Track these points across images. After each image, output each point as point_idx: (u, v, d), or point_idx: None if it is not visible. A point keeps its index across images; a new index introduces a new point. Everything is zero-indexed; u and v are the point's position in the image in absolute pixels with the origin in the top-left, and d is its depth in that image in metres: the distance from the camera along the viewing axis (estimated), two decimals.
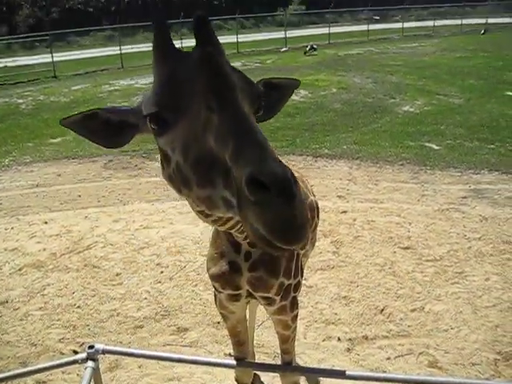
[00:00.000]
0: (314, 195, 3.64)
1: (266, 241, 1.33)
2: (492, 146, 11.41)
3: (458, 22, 41.01)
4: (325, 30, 33.35)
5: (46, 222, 8.27)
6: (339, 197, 8.75)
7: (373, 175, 9.82)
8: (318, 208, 3.58)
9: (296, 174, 3.22)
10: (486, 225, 7.77)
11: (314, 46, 26.45)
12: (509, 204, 8.57)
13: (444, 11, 49.00)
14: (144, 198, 9.15)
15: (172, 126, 1.60)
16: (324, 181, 9.54)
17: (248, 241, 2.59)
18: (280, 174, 1.28)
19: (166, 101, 1.61)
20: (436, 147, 11.43)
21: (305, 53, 25.92)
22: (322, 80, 18.52)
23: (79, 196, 9.41)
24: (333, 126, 13.07)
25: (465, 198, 8.77)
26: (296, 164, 10.40)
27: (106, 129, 1.88)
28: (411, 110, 14.67)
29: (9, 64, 27.46)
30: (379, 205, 8.41)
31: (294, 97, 15.92)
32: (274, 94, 2.00)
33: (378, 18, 44.55)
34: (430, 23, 39.91)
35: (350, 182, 9.49)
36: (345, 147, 11.47)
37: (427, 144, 11.62)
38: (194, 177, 1.57)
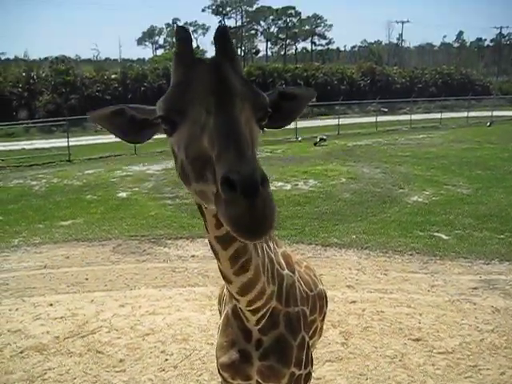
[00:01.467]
0: (323, 284, 3.62)
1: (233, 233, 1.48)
2: (502, 236, 11.38)
3: (465, 114, 41.94)
4: (334, 122, 34.15)
5: (51, 304, 8.21)
6: (348, 286, 8.68)
7: (382, 265, 9.77)
8: (326, 297, 3.55)
9: (303, 263, 3.26)
10: (499, 316, 7.62)
11: (324, 137, 27.01)
12: None
13: (450, 104, 50.23)
14: (151, 283, 9.11)
15: (178, 127, 1.74)
16: (333, 270, 9.49)
17: (259, 327, 2.62)
18: (247, 174, 1.42)
19: (174, 104, 1.75)
20: (445, 237, 11.41)
21: (315, 143, 26.45)
22: (332, 170, 18.79)
23: (86, 279, 9.39)
24: (342, 216, 13.14)
25: (476, 288, 8.66)
26: (305, 253, 10.40)
27: (129, 125, 1.99)
28: (420, 200, 14.76)
29: (26, 147, 28.23)
30: (389, 295, 8.31)
31: (303, 186, 16.17)
32: (290, 103, 2.10)
33: (386, 110, 45.66)
34: (437, 115, 40.81)
35: (359, 271, 9.43)
36: (354, 237, 11.48)
37: (436, 234, 11.62)
38: (192, 173, 1.71)
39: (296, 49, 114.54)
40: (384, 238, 11.30)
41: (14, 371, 6.22)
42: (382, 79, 59.42)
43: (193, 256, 10.46)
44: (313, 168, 19.19)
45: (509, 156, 21.98)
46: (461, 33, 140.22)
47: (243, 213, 1.43)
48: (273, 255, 2.70)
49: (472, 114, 42.33)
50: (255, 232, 1.46)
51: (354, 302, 8.03)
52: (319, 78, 54.95)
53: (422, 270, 9.56)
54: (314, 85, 52.55)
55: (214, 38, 1.86)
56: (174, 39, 1.87)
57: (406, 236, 11.44)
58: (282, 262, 2.85)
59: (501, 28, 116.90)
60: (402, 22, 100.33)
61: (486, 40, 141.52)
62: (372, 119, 36.94)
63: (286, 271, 2.84)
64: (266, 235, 1.49)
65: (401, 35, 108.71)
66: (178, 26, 1.89)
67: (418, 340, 6.82)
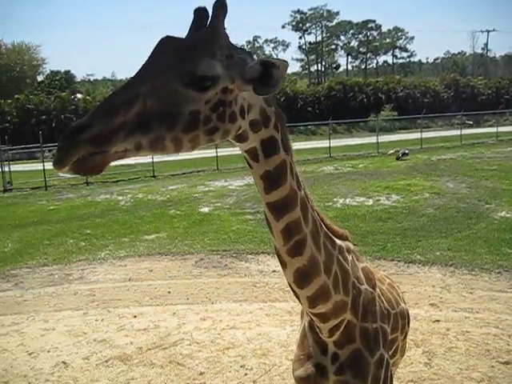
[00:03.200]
0: (405, 303, 3.55)
1: None
2: None
3: None
4: (417, 135, 33.48)
5: (135, 316, 8.50)
6: (432, 305, 8.43)
7: (468, 283, 9.43)
8: (408, 316, 3.48)
9: (387, 280, 3.22)
10: None
11: (406, 151, 26.52)
12: None
13: None
14: (232, 297, 9.22)
15: None
16: (416, 288, 9.25)
17: (334, 339, 2.67)
18: (70, 126, 1.70)
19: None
20: None
21: (397, 158, 26.02)
22: (415, 185, 18.38)
23: (169, 292, 9.63)
24: (425, 232, 12.80)
25: None
26: (387, 269, 10.20)
27: None
28: (508, 215, 14.15)
29: (112, 163, 29.18)
30: (475, 315, 8.01)
31: (385, 201, 15.92)
32: (273, 71, 2.08)
33: (471, 122, 44.36)
34: None
35: (443, 289, 9.15)
36: (438, 253, 11.16)
37: None
38: None
39: (377, 62, 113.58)
40: (470, 256, 10.91)
41: (99, 379, 6.48)
42: (466, 91, 57.82)
43: (274, 271, 10.50)
44: (395, 183, 18.85)
45: None
46: None
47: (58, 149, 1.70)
48: (349, 267, 2.71)
49: None
50: (53, 159, 1.72)
51: (437, 321, 7.79)
52: (401, 92, 54.08)
53: (510, 288, 9.14)
54: (396, 98, 51.82)
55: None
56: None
57: (493, 253, 10.99)
58: (362, 276, 2.86)
59: None
60: (488, 31, 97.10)
61: None
62: (456, 132, 35.96)
63: (365, 286, 2.84)
64: (55, 165, 1.72)
65: (486, 45, 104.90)
66: (196, 7, 2.07)
67: (506, 363, 6.52)
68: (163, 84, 1.90)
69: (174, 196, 19.10)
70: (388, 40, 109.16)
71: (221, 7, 2.06)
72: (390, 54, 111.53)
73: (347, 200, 16.47)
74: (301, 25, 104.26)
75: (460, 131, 34.72)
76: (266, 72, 2.06)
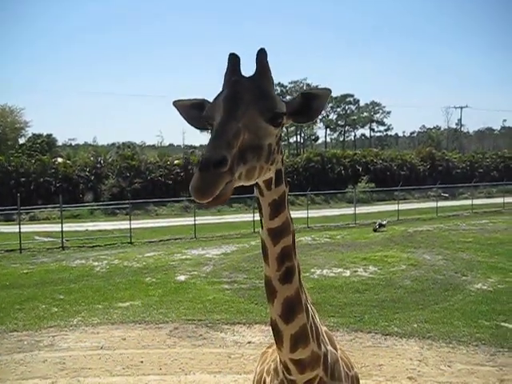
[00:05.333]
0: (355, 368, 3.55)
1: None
2: None
3: None
4: (394, 207, 33.85)
5: None
6: (409, 378, 8.32)
7: (445, 356, 9.35)
8: (359, 381, 3.47)
9: (339, 347, 3.26)
10: None
11: (383, 223, 26.74)
12: None
13: None
14: (206, 369, 9.01)
15: (211, 127, 2.24)
16: (393, 360, 9.14)
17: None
18: (205, 157, 1.93)
19: (209, 112, 2.28)
20: None
21: (374, 229, 26.19)
22: (392, 256, 18.46)
23: (141, 362, 9.37)
24: (402, 304, 12.77)
25: None
26: (364, 342, 10.11)
27: (200, 118, 2.42)
28: (484, 287, 14.22)
29: (90, 228, 29.17)
30: None
31: (363, 273, 15.92)
32: (314, 102, 2.45)
33: (446, 195, 45.10)
34: (499, 200, 39.98)
35: (420, 362, 9.05)
36: (415, 325, 11.10)
37: (504, 324, 11.09)
38: None
39: (355, 135, 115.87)
40: (447, 328, 10.87)
41: None
42: (441, 164, 59.10)
43: (249, 342, 10.33)
44: (372, 254, 18.91)
45: None
46: None
47: (194, 179, 1.93)
48: (318, 325, 2.83)
49: None
50: (197, 191, 1.92)
51: None
52: (378, 164, 55.06)
53: (489, 362, 9.09)
54: (373, 170, 52.69)
55: (256, 60, 2.35)
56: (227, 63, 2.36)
57: (470, 326, 10.97)
58: (326, 337, 2.95)
59: None
60: (461, 107, 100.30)
61: None
62: (432, 204, 36.50)
63: (330, 347, 2.93)
64: (206, 197, 1.93)
65: (460, 120, 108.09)
66: (230, 53, 2.36)
67: None
68: (252, 120, 2.19)
69: (150, 263, 18.89)
70: (365, 114, 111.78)
71: (265, 53, 2.36)
72: (367, 127, 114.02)
73: (324, 271, 16.43)
74: (281, 97, 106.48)
75: (436, 203, 35.24)
76: (306, 103, 2.43)
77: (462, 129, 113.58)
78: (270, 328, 2.73)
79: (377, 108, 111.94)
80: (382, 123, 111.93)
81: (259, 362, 3.83)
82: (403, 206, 33.87)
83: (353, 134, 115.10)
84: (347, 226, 28.74)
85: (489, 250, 19.74)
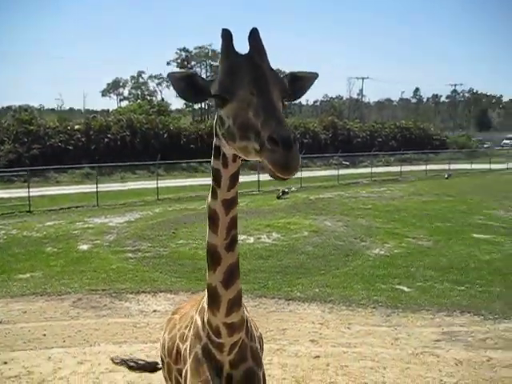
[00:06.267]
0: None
1: (272, 172, 2.18)
2: (462, 288, 11.51)
3: (423, 167, 43.18)
4: (297, 174, 34.37)
5: (5, 362, 7.89)
6: (312, 341, 8.60)
7: (345, 318, 9.74)
8: (262, 340, 3.72)
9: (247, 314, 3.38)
10: (462, 369, 7.66)
11: (286, 190, 27.18)
12: (483, 346, 8.52)
13: (410, 157, 51.53)
14: (111, 339, 8.87)
15: (229, 102, 2.38)
16: (296, 324, 9.41)
17: (231, 358, 2.94)
18: (285, 136, 2.13)
19: (227, 87, 2.38)
20: (407, 289, 11.48)
21: (278, 197, 26.57)
22: (295, 223, 18.85)
23: (44, 335, 9.07)
24: (305, 269, 13.12)
25: (438, 341, 8.70)
26: (268, 307, 10.31)
27: (190, 88, 2.56)
28: (382, 252, 14.88)
29: None
30: (353, 349, 8.27)
31: (266, 239, 16.16)
32: (300, 83, 2.72)
33: (347, 163, 46.44)
34: (397, 168, 41.76)
35: (322, 325, 9.37)
36: (317, 290, 11.45)
37: (398, 286, 11.68)
38: (237, 134, 2.35)
39: None
40: (347, 292, 11.30)
41: None
42: (343, 133, 60.61)
43: (155, 311, 10.27)
44: (276, 221, 19.23)
45: (467, 208, 22.49)
46: (417, 89, 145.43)
47: (281, 158, 2.13)
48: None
49: (430, 167, 43.66)
50: (288, 169, 2.16)
51: (317, 356, 7.95)
52: None
53: (385, 323, 9.56)
54: None
55: (249, 37, 2.46)
56: (221, 39, 2.48)
57: (368, 289, 11.47)
58: None
59: (455, 85, 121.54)
60: (362, 78, 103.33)
61: (441, 96, 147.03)
62: (334, 172, 37.49)
63: (243, 308, 3.06)
64: (294, 172, 2.19)
65: (361, 91, 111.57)
66: (223, 28, 2.47)
67: None
68: (278, 98, 2.41)
69: (50, 233, 18.17)
70: None
71: (258, 32, 2.50)
72: None
73: None
74: (186, 63, 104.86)
75: (337, 171, 36.22)
76: (292, 83, 2.65)
77: (363, 99, 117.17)
78: (206, 294, 2.91)
79: (282, 76, 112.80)
80: None
81: (166, 329, 3.90)
82: (306, 174, 34.49)
83: None
84: (251, 193, 28.98)
85: (386, 216, 20.61)
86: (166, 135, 48.15)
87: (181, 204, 24.56)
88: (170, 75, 2.56)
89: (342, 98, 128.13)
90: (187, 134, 50.14)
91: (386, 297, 10.95)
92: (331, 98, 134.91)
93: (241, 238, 16.36)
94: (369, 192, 29.45)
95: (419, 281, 12.09)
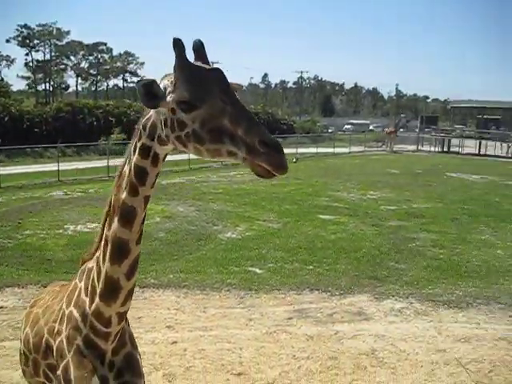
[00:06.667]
0: None
1: (266, 171, 2.40)
2: (311, 267, 12.10)
3: None
4: None
5: None
6: (168, 327, 8.58)
7: (201, 303, 9.83)
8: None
9: None
10: (313, 343, 8.07)
11: None
12: (330, 321, 9.05)
13: None
14: None
15: (197, 108, 2.46)
16: (152, 312, 9.32)
17: (113, 346, 3.04)
18: (275, 141, 2.38)
19: (195, 95, 2.48)
20: (259, 271, 11.83)
21: None
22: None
23: None
24: (158, 255, 13.00)
25: (290, 318, 9.08)
26: None
27: (149, 94, 2.55)
28: (233, 236, 15.17)
29: None
30: (209, 332, 8.38)
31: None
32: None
33: None
34: None
35: (178, 311, 9.38)
36: (171, 276, 11.41)
37: (251, 268, 11.99)
38: (207, 137, 2.46)
39: (107, 85, 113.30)
40: (201, 276, 11.40)
41: None
42: None
43: (1, 307, 9.64)
44: None
45: (313, 191, 23.55)
46: (266, 75, 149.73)
47: (278, 159, 2.37)
48: None
49: None
50: (285, 168, 2.39)
51: (175, 342, 7.95)
52: (131, 116, 54.31)
53: (239, 305, 9.79)
54: (127, 122, 51.84)
55: (196, 47, 2.68)
56: (174, 49, 2.52)
57: (222, 272, 11.65)
58: None
59: (301, 72, 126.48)
60: (212, 63, 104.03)
61: (289, 82, 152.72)
62: (185, 157, 37.39)
63: None
64: (287, 169, 2.42)
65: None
66: (175, 38, 2.51)
67: (240, 374, 6.97)
68: None
69: None
70: (119, 64, 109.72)
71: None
72: (120, 77, 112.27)
73: (79, 227, 15.91)
74: (28, 41, 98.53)
75: (188, 156, 36.04)
76: None
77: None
78: (103, 285, 2.89)
79: (130, 58, 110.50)
80: (135, 74, 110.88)
81: (27, 323, 3.71)
82: (170, 158, 34.11)
83: (105, 84, 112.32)
84: (101, 179, 28.10)
85: (237, 200, 20.96)
86: (7, 118, 45.10)
87: (25, 192, 23.11)
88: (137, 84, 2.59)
89: None
90: (31, 117, 47.44)
91: (240, 279, 11.20)
92: None
93: (91, 226, 15.86)
94: (220, 176, 29.79)
95: (270, 262, 12.51)
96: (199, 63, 2.62)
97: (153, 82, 2.56)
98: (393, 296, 10.50)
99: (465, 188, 27.12)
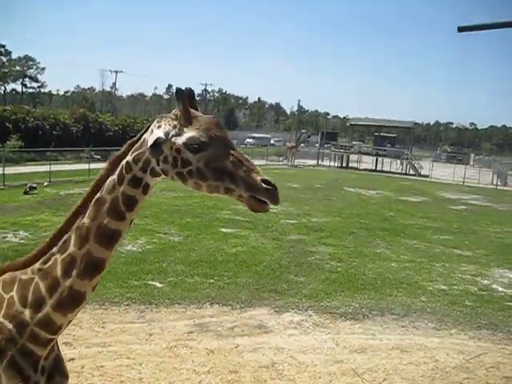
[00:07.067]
0: None
1: (259, 205, 2.77)
2: (211, 281, 12.15)
3: None
4: (45, 168, 32.59)
5: None
6: (65, 343, 8.28)
7: (99, 318, 9.59)
8: None
9: None
10: (213, 357, 8.11)
11: (34, 185, 25.64)
12: (231, 334, 9.14)
13: None
14: None
15: (203, 150, 2.80)
16: None
17: (46, 352, 3.11)
18: (271, 180, 2.72)
19: (203, 138, 2.81)
20: (160, 285, 11.72)
21: (25, 192, 24.94)
22: (43, 220, 17.93)
23: None
24: None
25: (191, 332, 9.08)
26: None
27: (157, 148, 2.88)
28: (134, 249, 14.92)
29: None
30: (108, 348, 8.20)
31: (13, 238, 15.15)
32: None
33: (99, 157, 45.48)
34: None
35: (75, 326, 9.07)
36: None
37: (151, 282, 11.86)
38: (210, 175, 2.79)
39: (5, 89, 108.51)
40: (100, 290, 11.06)
41: None
42: (95, 126, 59.06)
43: None
44: (23, 218, 18.08)
45: (215, 204, 23.59)
46: (170, 86, 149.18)
47: (275, 194, 2.73)
48: None
49: None
50: (278, 200, 2.75)
51: (72, 359, 7.70)
52: (30, 122, 52.18)
53: (139, 319, 9.65)
54: (25, 129, 49.80)
55: (190, 97, 2.99)
56: (178, 100, 2.91)
57: (121, 286, 11.43)
58: None
59: (206, 84, 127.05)
60: (116, 72, 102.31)
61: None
62: (85, 166, 36.34)
63: None
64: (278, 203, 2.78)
65: (114, 84, 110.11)
66: (177, 88, 2.91)
67: None
68: None
69: None
70: (18, 68, 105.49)
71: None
72: (19, 82, 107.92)
73: None
74: None
75: (88, 165, 35.06)
76: None
77: (116, 92, 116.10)
78: (63, 298, 2.97)
79: (30, 63, 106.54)
80: (35, 79, 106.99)
81: None
82: (55, 168, 33.00)
83: (3, 88, 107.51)
84: None
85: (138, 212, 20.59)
86: None
87: None
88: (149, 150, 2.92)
89: (94, 89, 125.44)
90: None
91: (140, 293, 11.04)
92: (83, 89, 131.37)
93: None
94: None
95: (171, 276, 12.43)
96: (193, 110, 2.94)
97: (159, 139, 2.87)
98: (292, 309, 10.76)
99: (362, 203, 28.33)
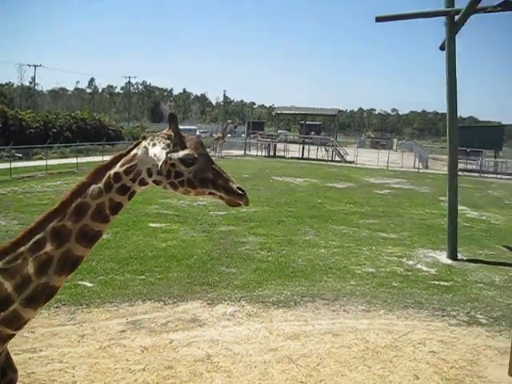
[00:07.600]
0: None
1: (235, 203, 3.52)
2: (143, 277, 12.06)
3: (100, 158, 43.19)
4: None
5: None
6: None
7: (28, 323, 9.33)
8: None
9: None
10: (148, 354, 8.09)
11: None
12: (165, 330, 9.13)
13: (86, 149, 51.04)
14: None
15: (194, 164, 3.42)
16: None
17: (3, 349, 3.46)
18: (239, 187, 3.47)
19: (196, 155, 3.44)
20: (90, 284, 11.50)
21: None
22: None
23: None
24: None
25: (124, 331, 9.00)
26: None
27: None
28: None
29: None
30: (38, 354, 8.00)
31: None
32: None
33: (20, 155, 43.96)
34: (73, 160, 40.74)
35: None
36: None
37: (81, 282, 11.59)
38: (198, 183, 3.43)
39: None
40: None
41: None
42: (15, 123, 56.81)
43: None
44: None
45: (143, 199, 23.01)
46: (92, 79, 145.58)
47: (246, 198, 3.47)
48: None
49: (107, 157, 43.93)
50: (248, 202, 3.49)
51: None
52: None
53: (70, 321, 9.46)
54: None
55: (170, 121, 3.59)
56: (169, 124, 3.57)
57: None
58: None
59: (129, 77, 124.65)
60: (35, 66, 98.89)
61: (116, 87, 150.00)
62: (6, 166, 35.04)
63: None
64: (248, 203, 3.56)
65: (34, 78, 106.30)
66: (171, 113, 3.64)
67: None
68: None
69: None
70: None
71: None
72: None
73: None
74: None
75: (10, 165, 33.87)
76: None
77: (36, 87, 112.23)
78: (36, 293, 3.35)
79: None
80: None
81: None
82: None
83: None
84: None
85: None
86: None
87: None
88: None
89: (12, 84, 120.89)
90: None
91: (69, 294, 10.80)
92: (0, 84, 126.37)
93: None
94: (44, 186, 28.30)
95: (101, 274, 12.21)
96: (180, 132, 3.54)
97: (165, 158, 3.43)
98: (225, 300, 10.84)
99: (290, 191, 28.73)
